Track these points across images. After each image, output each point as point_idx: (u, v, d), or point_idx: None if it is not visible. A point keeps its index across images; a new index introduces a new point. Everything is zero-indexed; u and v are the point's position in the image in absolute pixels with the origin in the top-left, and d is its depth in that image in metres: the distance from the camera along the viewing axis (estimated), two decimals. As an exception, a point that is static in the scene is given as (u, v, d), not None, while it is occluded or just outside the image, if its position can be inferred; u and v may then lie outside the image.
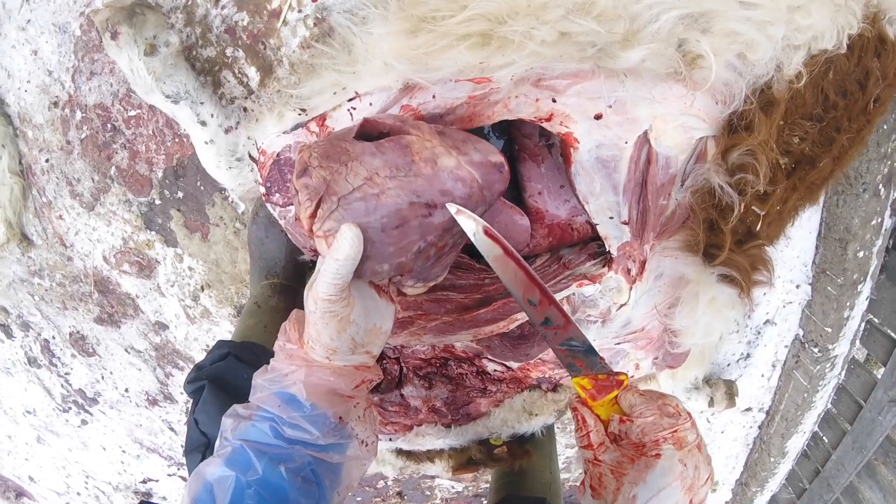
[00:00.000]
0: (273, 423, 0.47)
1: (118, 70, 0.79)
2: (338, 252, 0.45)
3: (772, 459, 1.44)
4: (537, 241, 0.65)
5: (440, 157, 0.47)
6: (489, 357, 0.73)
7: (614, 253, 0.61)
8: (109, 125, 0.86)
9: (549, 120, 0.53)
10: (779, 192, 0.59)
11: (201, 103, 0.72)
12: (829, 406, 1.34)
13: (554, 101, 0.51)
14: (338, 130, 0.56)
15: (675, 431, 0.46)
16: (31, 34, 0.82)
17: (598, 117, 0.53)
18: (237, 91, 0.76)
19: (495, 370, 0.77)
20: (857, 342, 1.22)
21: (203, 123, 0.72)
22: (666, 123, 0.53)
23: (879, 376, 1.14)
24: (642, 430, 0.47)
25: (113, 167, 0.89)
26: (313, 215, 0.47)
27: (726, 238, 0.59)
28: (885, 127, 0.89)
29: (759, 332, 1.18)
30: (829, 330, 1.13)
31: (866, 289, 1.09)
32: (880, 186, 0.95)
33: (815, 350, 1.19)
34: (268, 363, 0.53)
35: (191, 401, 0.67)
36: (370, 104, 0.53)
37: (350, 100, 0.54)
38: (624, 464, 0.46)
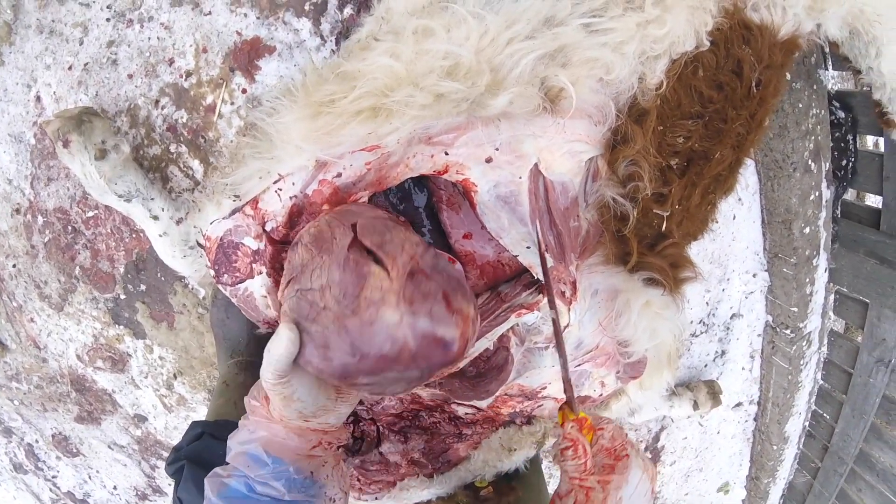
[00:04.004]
0: (246, 479, 0.53)
1: (73, 175, 0.83)
2: (275, 347, 0.49)
3: (774, 447, 1.43)
4: (473, 282, 0.68)
5: (385, 306, 0.44)
6: (456, 401, 0.75)
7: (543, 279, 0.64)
8: (70, 227, 0.89)
9: (445, 172, 0.57)
10: (676, 191, 0.63)
11: (152, 199, 0.76)
12: (821, 382, 1.35)
13: (446, 153, 0.56)
14: (358, 206, 0.55)
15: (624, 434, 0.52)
16: (-12, 145, 0.85)
17: (488, 160, 0.57)
18: (184, 184, 0.81)
19: (466, 413, 0.78)
20: (831, 314, 1.24)
21: (156, 218, 0.76)
22: (552, 153, 0.58)
23: (860, 341, 1.16)
24: (612, 436, 0.53)
25: (77, 267, 0.93)
26: (283, 289, 0.51)
27: (632, 244, 0.62)
28: (801, 105, 0.92)
29: (728, 328, 1.20)
30: (796, 309, 1.15)
31: (822, 261, 1.12)
32: (810, 162, 0.98)
33: (788, 331, 1.20)
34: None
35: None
36: (293, 183, 0.58)
37: (275, 182, 0.59)
38: (606, 472, 0.51)
